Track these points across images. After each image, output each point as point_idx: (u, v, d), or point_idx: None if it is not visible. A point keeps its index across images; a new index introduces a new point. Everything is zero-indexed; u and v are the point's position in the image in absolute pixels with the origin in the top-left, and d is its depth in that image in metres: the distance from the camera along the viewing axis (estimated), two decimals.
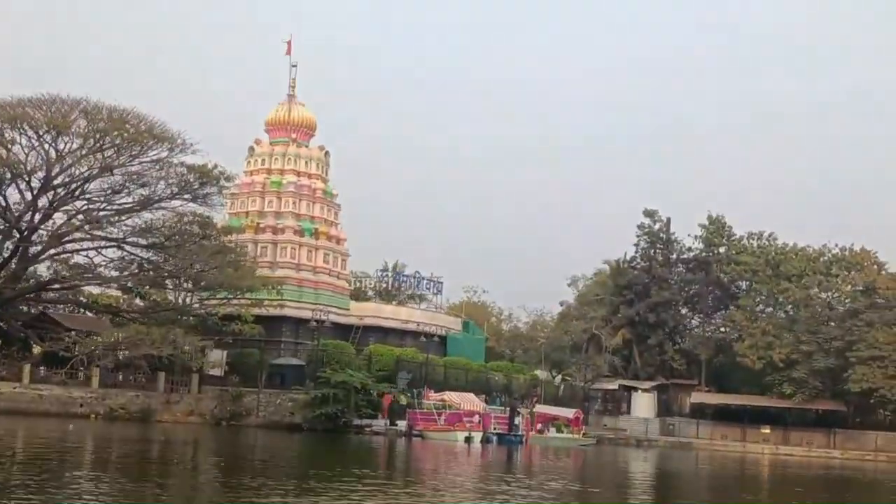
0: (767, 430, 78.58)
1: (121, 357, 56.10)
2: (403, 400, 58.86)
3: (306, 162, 75.02)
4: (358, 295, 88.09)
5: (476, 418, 56.12)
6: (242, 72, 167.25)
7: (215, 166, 59.40)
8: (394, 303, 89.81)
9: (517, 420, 60.00)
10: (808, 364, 77.69)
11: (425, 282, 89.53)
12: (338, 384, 54.89)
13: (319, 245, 73.58)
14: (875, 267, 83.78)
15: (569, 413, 67.62)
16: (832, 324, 79.60)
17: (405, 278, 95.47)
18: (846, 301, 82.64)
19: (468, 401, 58.38)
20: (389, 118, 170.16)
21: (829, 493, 37.07)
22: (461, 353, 77.41)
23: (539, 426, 64.36)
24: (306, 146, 76.05)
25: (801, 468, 53.33)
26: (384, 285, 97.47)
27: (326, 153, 76.48)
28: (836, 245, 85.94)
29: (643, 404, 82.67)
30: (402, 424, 56.25)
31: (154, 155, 57.17)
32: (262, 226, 72.29)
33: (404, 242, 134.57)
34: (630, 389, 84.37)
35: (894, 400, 73.20)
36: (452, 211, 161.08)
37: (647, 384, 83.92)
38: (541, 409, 67.83)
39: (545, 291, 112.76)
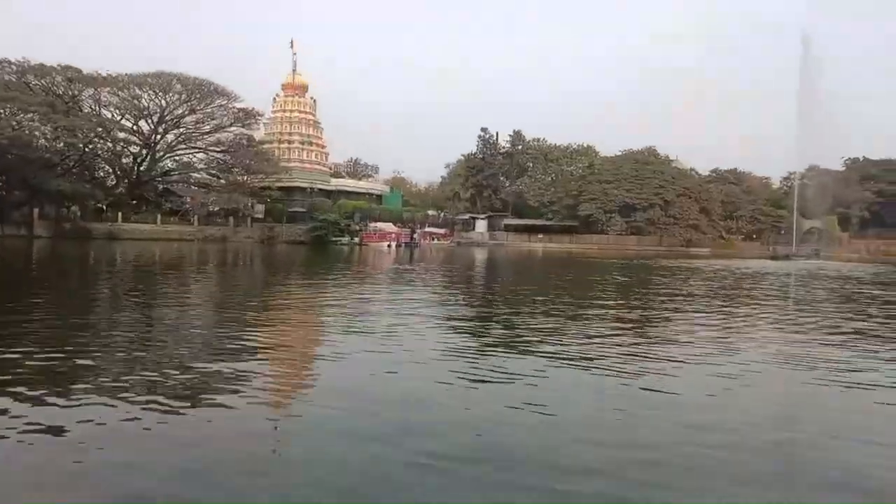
0: (541, 236, 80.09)
1: (210, 209, 55.91)
2: (358, 228, 59.78)
3: (304, 106, 72.88)
4: (337, 174, 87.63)
5: (393, 236, 57.29)
6: (268, 53, 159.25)
7: (252, 109, 58.08)
8: (358, 178, 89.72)
9: (415, 235, 61.33)
10: (560, 203, 79.91)
11: (370, 167, 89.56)
12: (322, 220, 55.31)
13: (312, 149, 72.45)
14: (594, 154, 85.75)
15: (441, 231, 69.26)
16: (573, 183, 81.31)
17: (360, 165, 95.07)
18: (579, 170, 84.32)
19: (389, 227, 59.37)
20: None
21: (569, 261, 38.84)
22: (389, 203, 77.88)
23: (427, 238, 66.00)
24: (303, 97, 73.68)
25: (558, 253, 54.88)
26: (350, 169, 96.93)
27: (314, 101, 74.33)
28: (576, 143, 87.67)
29: (481, 225, 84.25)
30: (356, 240, 57.12)
31: (219, 102, 55.47)
32: (282, 139, 70.55)
33: (368, 145, 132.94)
34: (475, 219, 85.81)
35: (602, 220, 76.11)
36: (396, 123, 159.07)
37: (483, 216, 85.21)
38: (428, 229, 69.26)
39: (435, 167, 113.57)
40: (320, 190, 68.31)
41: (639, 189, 74.02)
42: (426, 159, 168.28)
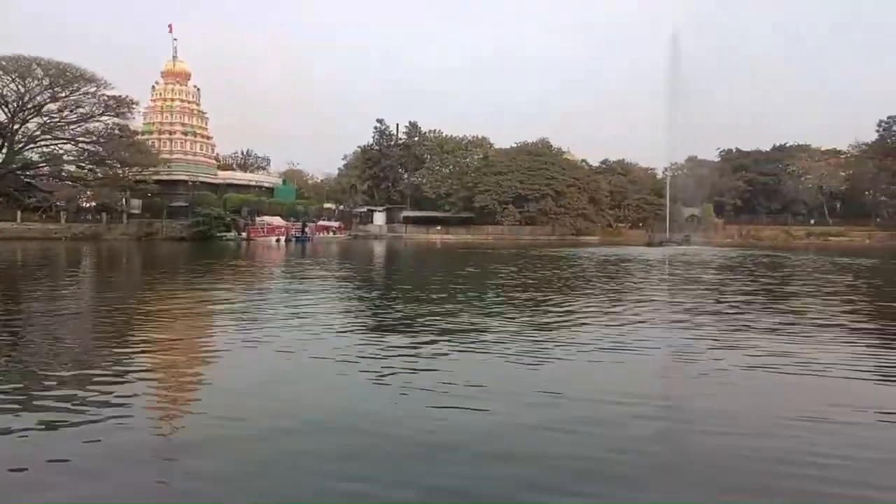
0: (439, 228, 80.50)
1: (81, 205, 52.12)
2: (245, 222, 57.56)
3: (186, 94, 69.03)
4: (227, 166, 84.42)
5: (283, 230, 55.62)
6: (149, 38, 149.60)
7: (126, 97, 54.49)
8: (248, 171, 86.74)
9: (307, 229, 59.86)
10: (457, 194, 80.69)
11: (261, 159, 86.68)
12: (204, 215, 52.85)
13: (197, 140, 68.88)
14: (489, 145, 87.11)
15: (335, 224, 68.05)
16: (468, 175, 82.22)
17: (252, 158, 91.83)
18: (475, 162, 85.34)
19: (277, 221, 57.52)
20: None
21: (466, 252, 38.97)
22: (282, 196, 75.71)
23: (321, 232, 64.66)
24: (185, 85, 69.79)
25: (455, 244, 55.02)
26: (242, 161, 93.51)
27: (198, 89, 70.77)
28: (471, 135, 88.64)
29: (379, 218, 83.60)
30: (243, 235, 54.91)
31: (86, 90, 51.72)
32: (162, 130, 66.76)
33: (263, 137, 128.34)
34: (372, 211, 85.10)
35: (497, 211, 77.44)
36: (293, 114, 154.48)
37: (381, 208, 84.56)
38: (321, 223, 67.85)
39: (335, 159, 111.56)
40: (205, 183, 65.38)
41: (531, 180, 75.97)
42: (325, 151, 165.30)
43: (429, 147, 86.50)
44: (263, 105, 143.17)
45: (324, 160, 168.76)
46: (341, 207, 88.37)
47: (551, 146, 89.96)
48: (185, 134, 67.41)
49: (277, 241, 51.59)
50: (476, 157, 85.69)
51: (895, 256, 34.64)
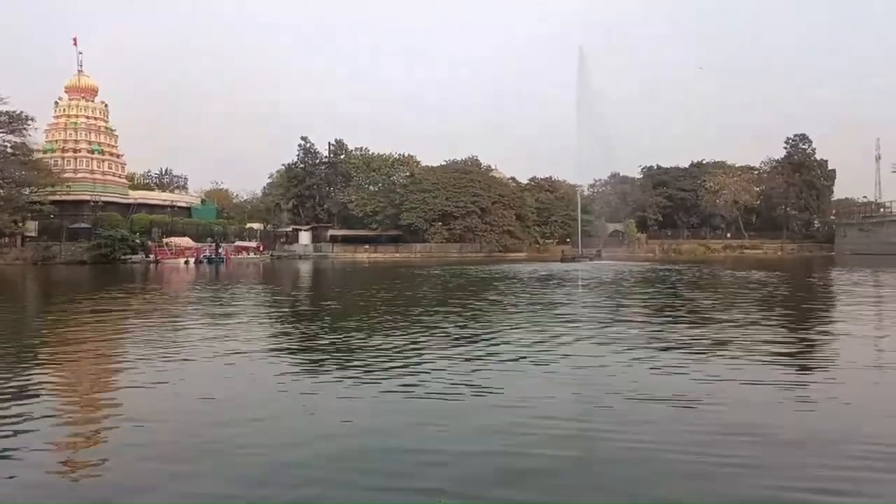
0: (367, 246, 79.43)
1: None
2: (161, 244, 54.87)
3: (92, 110, 65.56)
4: (145, 185, 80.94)
5: (193, 251, 53.32)
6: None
7: (20, 112, 51.18)
8: (166, 190, 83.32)
9: (220, 250, 57.48)
10: (384, 212, 79.76)
11: (180, 178, 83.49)
12: (106, 237, 50.06)
13: (105, 158, 65.42)
14: (415, 163, 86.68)
15: (253, 244, 65.91)
16: (398, 191, 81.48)
17: (172, 177, 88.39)
18: (402, 180, 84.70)
19: (186, 242, 55.15)
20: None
21: (393, 271, 38.04)
22: (201, 216, 72.93)
23: (239, 253, 62.47)
24: (92, 101, 66.34)
25: (383, 263, 54.54)
26: (161, 180, 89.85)
27: (106, 105, 67.38)
28: (398, 152, 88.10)
29: (304, 237, 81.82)
30: (152, 258, 52.36)
31: None
32: (66, 148, 63.19)
33: (184, 154, 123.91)
34: (298, 230, 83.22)
35: (424, 228, 76.90)
36: (217, 132, 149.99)
37: (307, 227, 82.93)
38: (238, 243, 65.62)
39: (259, 177, 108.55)
40: (114, 203, 62.07)
41: (457, 197, 75.82)
42: (252, 169, 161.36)
43: (355, 165, 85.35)
44: (186, 123, 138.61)
45: (250, 179, 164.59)
46: (269, 227, 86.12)
47: (480, 164, 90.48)
48: (91, 152, 63.97)
49: (186, 262, 49.34)
50: (403, 174, 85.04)
51: (788, 268, 35.74)
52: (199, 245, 56.05)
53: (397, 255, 75.78)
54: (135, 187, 75.28)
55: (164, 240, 54.45)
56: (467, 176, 79.44)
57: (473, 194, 76.41)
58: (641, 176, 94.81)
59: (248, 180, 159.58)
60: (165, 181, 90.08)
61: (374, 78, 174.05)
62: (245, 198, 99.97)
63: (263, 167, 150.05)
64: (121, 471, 4.13)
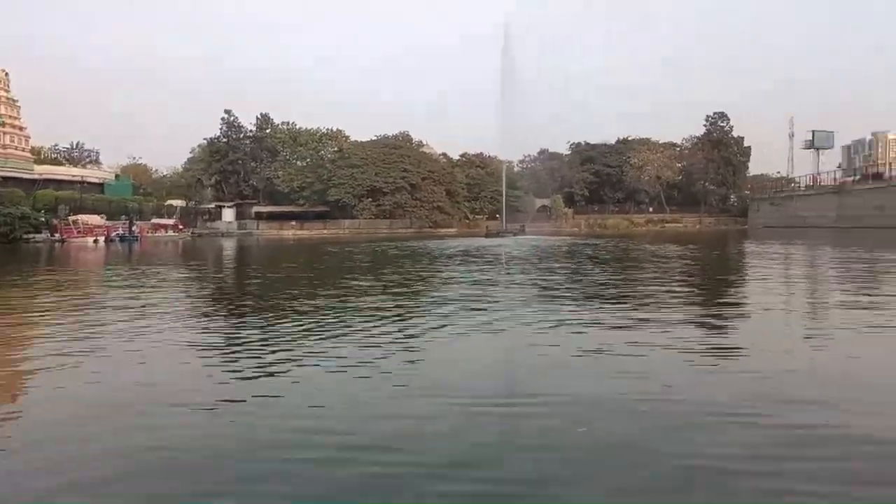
0: (294, 223, 77.87)
1: None
2: (66, 222, 51.58)
3: None
4: (53, 160, 76.08)
5: (103, 229, 50.57)
6: None
7: None
8: (77, 165, 78.56)
9: (134, 227, 54.86)
10: (311, 188, 78.18)
11: (90, 152, 78.95)
12: (6, 214, 46.63)
13: (6, 132, 60.95)
14: (344, 138, 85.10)
15: (171, 221, 63.25)
16: (326, 167, 79.99)
17: (85, 151, 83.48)
18: (331, 155, 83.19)
19: (95, 220, 52.21)
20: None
21: (310, 248, 37.03)
22: (115, 193, 68.94)
23: (156, 231, 59.86)
24: None
25: (309, 240, 53.13)
26: (73, 154, 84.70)
27: (6, 73, 62.50)
28: (326, 127, 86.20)
29: (228, 214, 79.43)
30: (57, 237, 49.25)
31: None
32: None
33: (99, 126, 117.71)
34: (221, 207, 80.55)
35: (352, 205, 75.84)
36: (137, 105, 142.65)
37: (231, 203, 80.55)
38: (155, 221, 62.81)
39: (180, 152, 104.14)
40: (16, 179, 57.98)
41: (386, 173, 75.09)
42: (173, 144, 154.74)
43: (281, 139, 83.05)
44: (100, 94, 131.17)
45: (171, 154, 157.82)
46: (191, 204, 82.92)
47: (411, 139, 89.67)
48: None
49: (95, 241, 46.71)
50: (332, 150, 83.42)
51: (704, 242, 37.09)
52: (110, 223, 53.10)
53: (325, 231, 74.45)
54: (42, 162, 70.68)
55: (72, 218, 51.32)
56: (397, 151, 78.64)
57: (403, 170, 75.79)
58: (570, 152, 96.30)
59: (169, 155, 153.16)
60: (76, 156, 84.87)
61: (301, 52, 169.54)
62: (165, 173, 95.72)
63: (185, 142, 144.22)
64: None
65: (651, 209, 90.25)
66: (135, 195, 71.59)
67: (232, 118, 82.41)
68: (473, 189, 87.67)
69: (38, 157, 72.12)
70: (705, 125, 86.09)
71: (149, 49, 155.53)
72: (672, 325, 7.46)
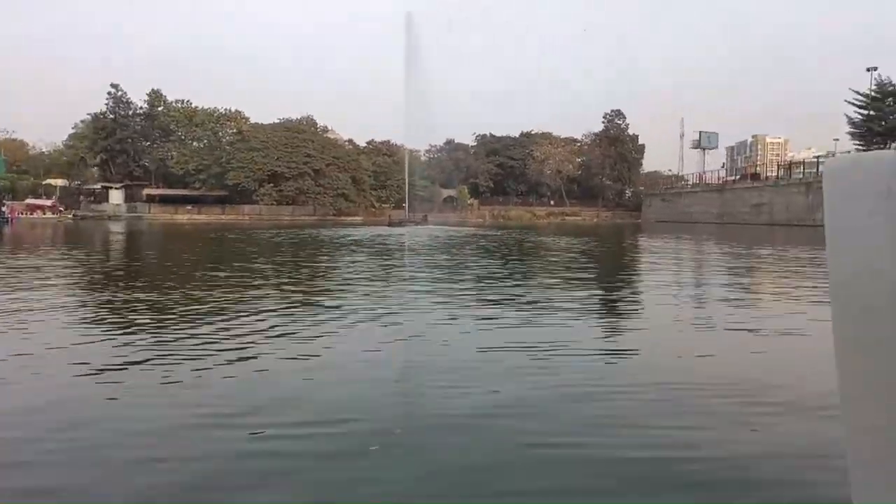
0: (189, 207, 74.30)
1: None
2: None
3: None
4: None
5: None
6: None
7: None
8: None
9: (4, 209, 50.10)
10: (208, 171, 74.63)
11: None
12: None
13: None
14: (244, 120, 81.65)
15: (48, 202, 58.48)
16: (225, 149, 76.44)
17: None
18: (229, 137, 79.62)
19: None
20: None
21: (211, 236, 34.91)
22: None
23: (32, 212, 55.04)
24: None
25: (206, 225, 50.38)
26: None
27: None
28: (224, 108, 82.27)
29: (116, 196, 74.56)
30: None
31: None
32: None
33: None
34: (108, 188, 75.30)
35: (252, 189, 73.00)
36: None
37: (119, 185, 75.44)
38: (30, 201, 57.85)
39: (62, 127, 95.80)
40: None
41: (289, 158, 72.83)
42: (53, 117, 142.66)
43: (175, 118, 78.49)
44: None
45: (51, 129, 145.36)
46: (74, 184, 77.00)
47: (316, 124, 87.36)
48: None
49: None
50: (230, 131, 79.84)
51: (593, 234, 38.51)
52: None
53: (223, 217, 71.54)
54: None
55: None
56: (300, 136, 76.34)
57: (306, 155, 73.74)
58: (475, 143, 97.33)
59: (49, 130, 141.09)
60: None
61: (199, 28, 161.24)
62: (45, 150, 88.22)
63: (67, 117, 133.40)
64: None
65: (552, 202, 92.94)
66: (7, 173, 65.52)
67: (120, 93, 77.00)
68: (380, 177, 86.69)
69: None
70: (603, 122, 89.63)
71: (23, 14, 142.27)
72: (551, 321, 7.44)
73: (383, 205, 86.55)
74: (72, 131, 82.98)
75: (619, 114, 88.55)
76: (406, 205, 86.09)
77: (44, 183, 69.97)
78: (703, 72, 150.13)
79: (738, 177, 71.63)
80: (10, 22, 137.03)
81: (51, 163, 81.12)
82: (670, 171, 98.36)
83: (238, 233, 34.30)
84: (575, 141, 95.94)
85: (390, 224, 48.10)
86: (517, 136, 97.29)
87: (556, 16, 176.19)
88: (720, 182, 68.70)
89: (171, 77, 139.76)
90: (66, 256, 17.85)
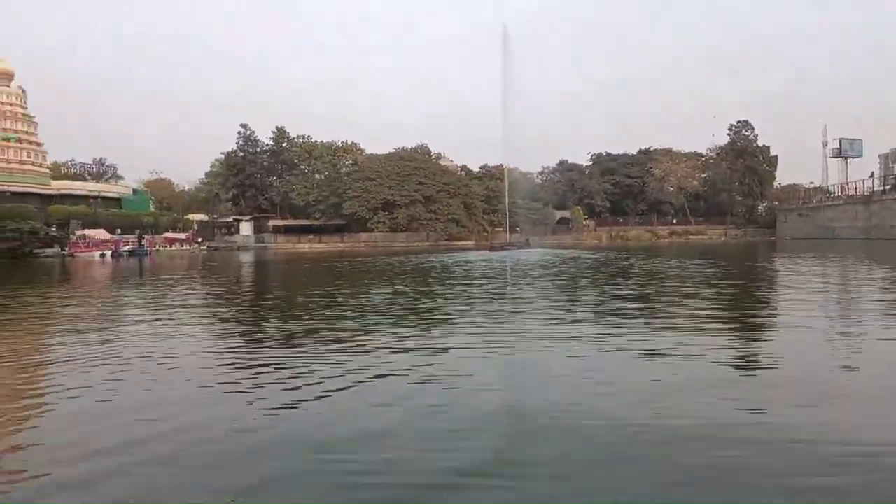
0: (311, 236, 77.65)
1: None
2: (74, 237, 51.86)
3: (7, 95, 61.85)
4: (75, 175, 77.11)
5: (111, 244, 50.49)
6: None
7: None
8: (100, 181, 79.65)
9: (143, 242, 54.73)
10: (326, 201, 77.68)
11: (109, 167, 79.90)
12: (13, 230, 46.79)
13: (22, 147, 61.89)
14: (359, 151, 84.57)
15: (183, 235, 63.26)
16: (337, 181, 79.38)
17: (97, 165, 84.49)
18: (347, 167, 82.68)
19: (101, 234, 52.27)
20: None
21: (336, 261, 36.37)
22: (132, 207, 69.68)
23: (171, 245, 59.81)
24: (7, 86, 62.43)
25: (327, 252, 52.46)
26: (93, 169, 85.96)
27: (23, 91, 63.66)
28: (342, 140, 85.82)
29: (246, 228, 79.47)
30: (67, 252, 49.33)
31: None
32: None
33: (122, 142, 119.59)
34: (239, 220, 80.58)
35: (367, 217, 75.02)
36: (160, 119, 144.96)
37: (248, 217, 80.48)
38: (168, 234, 62.87)
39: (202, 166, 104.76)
40: (32, 195, 58.60)
41: (400, 186, 74.12)
42: (195, 158, 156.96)
43: (297, 153, 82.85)
44: (123, 111, 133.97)
45: (193, 168, 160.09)
46: (213, 217, 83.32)
47: (430, 152, 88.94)
48: (7, 140, 60.25)
49: (102, 256, 46.68)
50: (347, 162, 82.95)
51: (718, 254, 35.02)
52: (119, 237, 52.99)
53: (341, 244, 74.01)
54: (63, 177, 71.57)
55: (78, 232, 51.40)
56: (411, 164, 77.69)
57: (418, 182, 74.76)
58: (591, 163, 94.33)
59: (191, 169, 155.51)
60: (95, 170, 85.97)
61: (322, 65, 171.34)
62: (187, 187, 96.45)
63: (206, 156, 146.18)
64: None
65: (675, 220, 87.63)
66: (160, 209, 72.06)
67: (248, 132, 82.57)
68: (492, 201, 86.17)
69: (58, 172, 73.05)
70: (729, 134, 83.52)
71: (171, 65, 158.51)
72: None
73: (496, 228, 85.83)
74: (208, 169, 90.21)
75: (746, 124, 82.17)
76: (520, 228, 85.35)
77: (185, 217, 76.08)
78: (849, 80, 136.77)
79: (888, 187, 63.35)
80: (153, 78, 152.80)
81: (190, 199, 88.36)
82: (812, 183, 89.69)
83: (336, 260, 34.80)
84: (699, 155, 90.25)
85: (491, 248, 47.01)
86: (634, 153, 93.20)
87: (680, 36, 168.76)
88: (867, 193, 61.20)
89: (294, 112, 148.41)
90: (201, 282, 18.61)
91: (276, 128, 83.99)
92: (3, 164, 59.25)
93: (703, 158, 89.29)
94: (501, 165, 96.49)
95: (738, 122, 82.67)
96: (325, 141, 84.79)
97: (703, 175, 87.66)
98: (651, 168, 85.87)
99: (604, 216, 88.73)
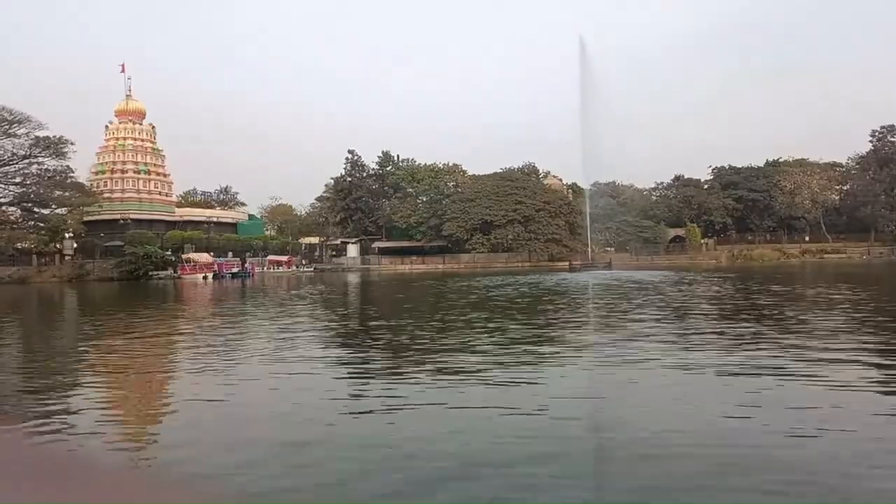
0: (414, 258, 78.45)
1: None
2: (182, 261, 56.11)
3: (140, 132, 68.77)
4: (203, 203, 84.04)
5: (214, 266, 53.96)
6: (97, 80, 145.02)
7: (60, 137, 53.96)
8: (219, 207, 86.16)
9: (247, 264, 57.97)
10: (427, 223, 78.31)
11: (233, 195, 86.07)
12: (131, 254, 51.58)
13: (151, 178, 68.42)
14: (461, 172, 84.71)
15: (284, 258, 66.34)
16: (444, 202, 79.79)
17: (223, 193, 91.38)
18: (448, 188, 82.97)
19: (203, 257, 55.88)
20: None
21: (439, 280, 36.97)
22: (247, 232, 74.50)
23: (275, 267, 63.05)
24: (140, 123, 69.42)
25: (429, 273, 53.79)
26: (220, 198, 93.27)
27: (153, 127, 70.38)
28: (443, 162, 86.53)
29: (352, 250, 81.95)
30: (176, 273, 53.49)
31: (14, 130, 51.17)
32: (114, 169, 66.45)
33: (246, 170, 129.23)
34: (346, 243, 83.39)
35: (465, 239, 74.60)
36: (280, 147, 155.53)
37: (354, 239, 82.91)
38: (271, 257, 66.23)
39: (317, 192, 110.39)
40: (160, 221, 64.41)
41: (498, 206, 73.07)
42: (311, 183, 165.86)
43: (402, 176, 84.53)
44: (245, 141, 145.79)
45: (310, 193, 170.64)
46: (323, 240, 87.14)
47: (537, 170, 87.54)
48: (138, 172, 66.78)
49: (205, 278, 49.99)
50: (450, 184, 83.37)
51: (858, 279, 30.61)
52: (222, 260, 56.55)
53: (441, 265, 74.15)
54: (193, 205, 78.13)
55: (184, 256, 55.47)
56: (512, 184, 76.50)
57: (516, 202, 73.31)
58: (711, 177, 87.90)
59: (308, 194, 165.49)
60: (221, 198, 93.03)
61: (429, 89, 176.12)
62: (302, 212, 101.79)
63: (320, 180, 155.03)
64: None
65: (808, 238, 79.06)
66: (280, 234, 76.52)
67: (355, 157, 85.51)
68: (603, 220, 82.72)
69: (186, 200, 79.83)
70: (871, 141, 74.24)
71: (292, 96, 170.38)
72: None
73: (606, 248, 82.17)
74: (320, 193, 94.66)
75: (891, 129, 72.57)
76: (630, 248, 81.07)
77: (299, 241, 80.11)
78: None
79: None
80: (273, 100, 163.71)
81: (303, 223, 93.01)
82: None
83: (430, 280, 34.53)
84: (838, 166, 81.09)
85: (571, 269, 44.63)
86: (761, 165, 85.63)
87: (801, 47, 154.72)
88: None
89: (399, 136, 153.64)
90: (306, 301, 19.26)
91: (382, 152, 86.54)
92: (134, 194, 65.51)
93: (843, 169, 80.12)
94: (614, 182, 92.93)
95: (883, 127, 73.26)
96: (428, 163, 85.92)
97: (842, 187, 78.60)
98: (779, 181, 78.32)
99: (725, 234, 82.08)
